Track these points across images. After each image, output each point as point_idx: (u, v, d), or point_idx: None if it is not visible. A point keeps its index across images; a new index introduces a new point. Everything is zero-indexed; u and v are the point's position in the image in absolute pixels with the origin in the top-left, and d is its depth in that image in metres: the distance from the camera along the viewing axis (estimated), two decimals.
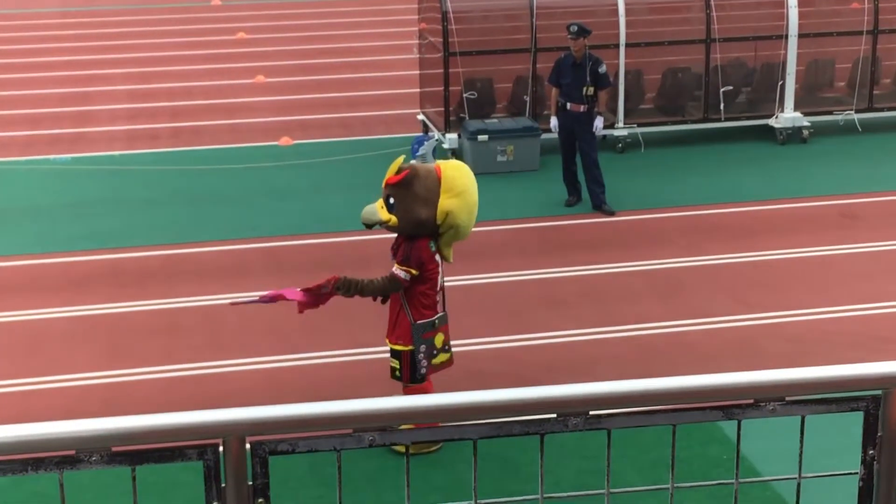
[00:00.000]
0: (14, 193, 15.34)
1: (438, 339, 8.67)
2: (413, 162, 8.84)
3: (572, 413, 2.68)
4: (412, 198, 8.40)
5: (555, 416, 2.68)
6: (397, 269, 8.48)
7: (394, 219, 8.45)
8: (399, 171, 8.45)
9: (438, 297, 8.73)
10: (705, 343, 10.74)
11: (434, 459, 8.58)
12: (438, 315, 8.68)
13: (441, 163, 8.75)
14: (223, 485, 2.54)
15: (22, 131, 18.47)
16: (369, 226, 8.67)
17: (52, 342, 10.94)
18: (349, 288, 8.42)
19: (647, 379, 2.77)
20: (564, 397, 2.65)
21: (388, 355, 8.82)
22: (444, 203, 8.40)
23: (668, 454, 7.65)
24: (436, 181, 8.43)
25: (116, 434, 2.41)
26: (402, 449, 8.62)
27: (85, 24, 27.59)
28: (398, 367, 8.67)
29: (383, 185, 8.52)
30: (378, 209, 8.50)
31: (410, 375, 8.65)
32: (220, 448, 2.51)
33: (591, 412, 2.70)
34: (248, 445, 2.54)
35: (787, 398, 2.79)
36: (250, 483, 2.56)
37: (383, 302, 8.71)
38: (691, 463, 8.45)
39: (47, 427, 2.40)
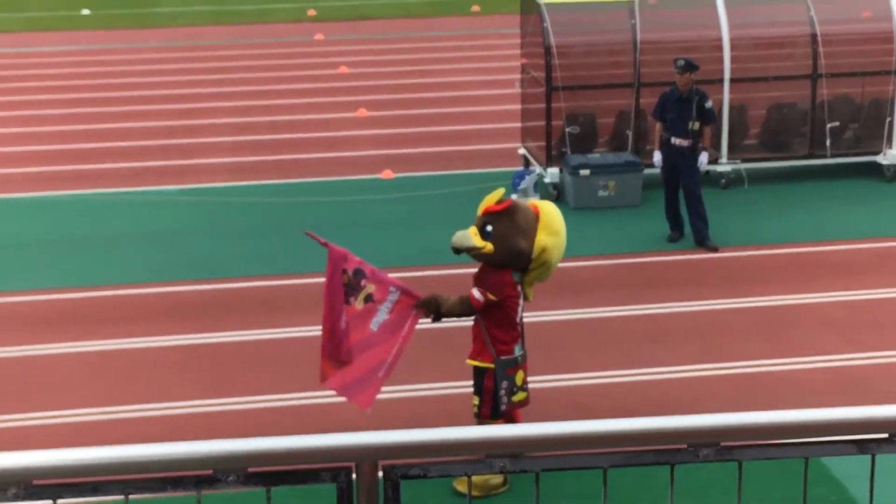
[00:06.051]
0: (122, 223, 15.64)
1: (519, 377, 8.65)
2: (513, 197, 8.86)
3: (704, 444, 2.66)
4: (514, 228, 8.40)
5: (685, 446, 2.66)
6: (473, 290, 8.49)
7: (489, 246, 8.41)
8: (501, 201, 8.49)
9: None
10: (812, 381, 10.57)
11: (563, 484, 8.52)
12: (521, 353, 8.68)
13: (536, 202, 8.82)
14: None
15: (130, 163, 18.84)
16: (458, 251, 8.61)
17: (155, 370, 11.09)
18: (429, 306, 8.48)
19: (779, 411, 2.73)
20: (697, 428, 2.63)
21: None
22: (542, 239, 8.44)
23: (775, 493, 7.49)
24: (534, 217, 8.48)
25: (254, 454, 2.44)
26: (462, 489, 8.57)
27: (190, 59, 28.09)
28: (478, 402, 8.65)
29: (480, 212, 8.52)
30: (472, 235, 8.47)
31: (491, 411, 8.61)
32: (354, 471, 2.52)
33: (723, 444, 2.67)
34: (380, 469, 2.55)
35: None
36: None
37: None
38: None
39: (187, 446, 2.44)
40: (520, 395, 8.67)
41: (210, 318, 12.32)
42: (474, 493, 8.58)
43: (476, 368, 8.65)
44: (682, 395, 10.35)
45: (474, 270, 8.77)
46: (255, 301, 12.83)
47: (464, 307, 8.52)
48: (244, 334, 11.91)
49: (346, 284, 8.25)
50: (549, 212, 8.57)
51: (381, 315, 8.35)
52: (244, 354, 11.43)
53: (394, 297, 8.40)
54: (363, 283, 8.31)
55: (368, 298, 8.31)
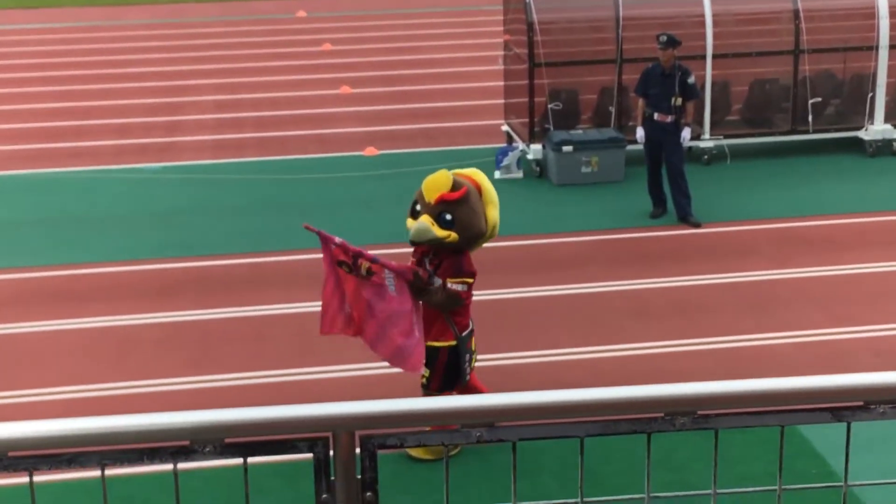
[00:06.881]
0: (106, 201, 15.59)
1: (473, 344, 8.74)
2: (456, 172, 8.66)
3: (680, 413, 2.66)
4: (472, 213, 8.35)
5: (662, 415, 2.66)
6: (454, 285, 8.37)
7: (453, 235, 8.32)
8: (456, 187, 8.34)
9: None
10: (794, 356, 10.61)
11: (542, 457, 8.53)
12: (471, 321, 8.71)
13: (468, 173, 8.65)
14: (332, 478, 2.56)
15: (113, 140, 18.77)
16: (417, 243, 8.55)
17: (141, 348, 11.08)
18: (421, 290, 8.35)
19: (755, 380, 2.74)
20: (674, 396, 2.63)
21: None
22: (491, 214, 8.48)
23: (755, 467, 7.50)
24: (478, 194, 8.45)
25: (230, 425, 2.44)
26: (414, 454, 8.59)
27: (172, 36, 27.99)
28: (428, 375, 8.64)
29: (433, 201, 8.32)
30: (431, 226, 8.29)
31: (441, 384, 8.62)
32: (330, 441, 2.53)
33: (700, 412, 2.68)
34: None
35: None
36: (359, 477, 2.57)
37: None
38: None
39: (163, 417, 2.43)
40: (474, 359, 8.79)
41: (195, 295, 12.30)
42: (428, 456, 8.61)
43: (433, 346, 8.61)
44: (664, 370, 10.37)
45: None
46: (240, 278, 12.81)
47: (453, 302, 8.45)
48: (229, 311, 11.89)
49: (344, 268, 8.28)
50: (487, 185, 8.55)
51: (390, 282, 8.30)
52: (230, 331, 11.42)
53: (390, 273, 8.34)
54: (360, 261, 8.28)
55: (369, 272, 8.28)
